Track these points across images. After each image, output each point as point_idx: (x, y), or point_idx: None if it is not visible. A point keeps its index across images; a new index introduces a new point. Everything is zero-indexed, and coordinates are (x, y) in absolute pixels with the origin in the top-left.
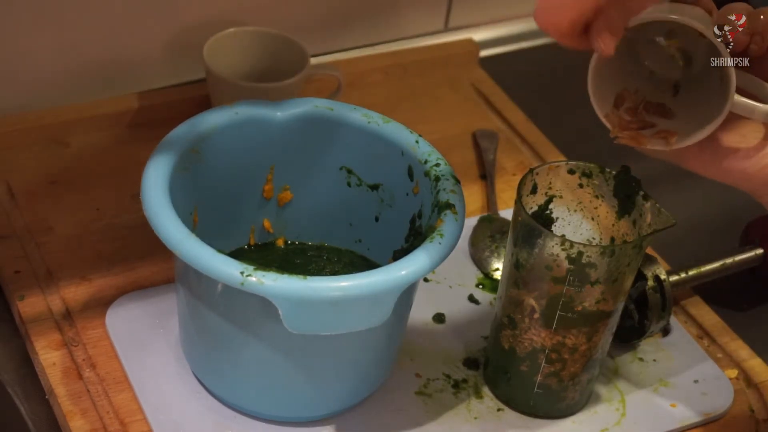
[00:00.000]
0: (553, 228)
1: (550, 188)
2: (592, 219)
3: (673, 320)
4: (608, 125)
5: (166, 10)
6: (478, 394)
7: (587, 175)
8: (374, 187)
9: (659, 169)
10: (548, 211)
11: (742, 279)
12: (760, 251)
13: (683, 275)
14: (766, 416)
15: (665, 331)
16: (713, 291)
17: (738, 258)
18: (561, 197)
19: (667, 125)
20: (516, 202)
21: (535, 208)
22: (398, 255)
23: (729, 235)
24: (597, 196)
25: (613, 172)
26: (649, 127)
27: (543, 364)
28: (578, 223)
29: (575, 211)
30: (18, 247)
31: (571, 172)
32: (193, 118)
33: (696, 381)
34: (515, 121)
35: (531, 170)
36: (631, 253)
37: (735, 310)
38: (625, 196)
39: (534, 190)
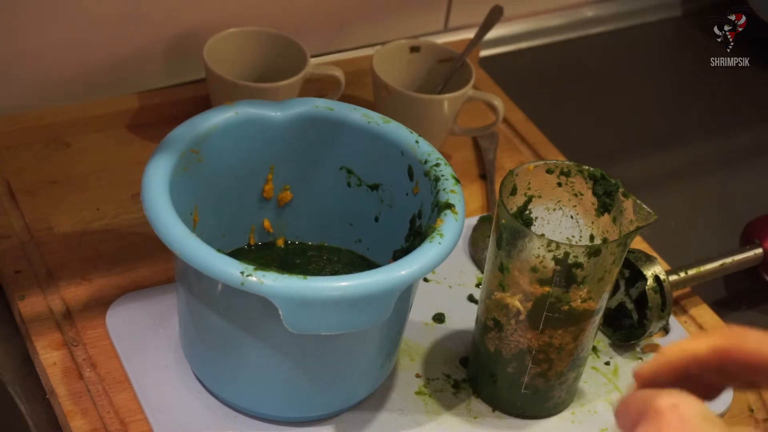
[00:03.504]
0: (533, 228)
1: (529, 188)
2: (572, 217)
3: (673, 320)
4: None
5: (166, 10)
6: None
7: (566, 173)
8: (374, 187)
9: (659, 169)
10: (527, 212)
11: (742, 279)
12: (759, 251)
13: (683, 275)
14: (765, 416)
15: (665, 331)
16: (713, 291)
17: (738, 258)
18: (540, 197)
19: None
20: (498, 205)
21: (515, 209)
22: (398, 255)
23: (729, 235)
24: (576, 194)
25: (591, 169)
26: None
27: (530, 365)
28: (558, 222)
29: (554, 209)
30: (18, 247)
31: (549, 171)
32: (193, 118)
33: None
34: (515, 121)
35: (511, 172)
36: (616, 251)
37: (735, 310)
38: (604, 193)
39: (513, 192)
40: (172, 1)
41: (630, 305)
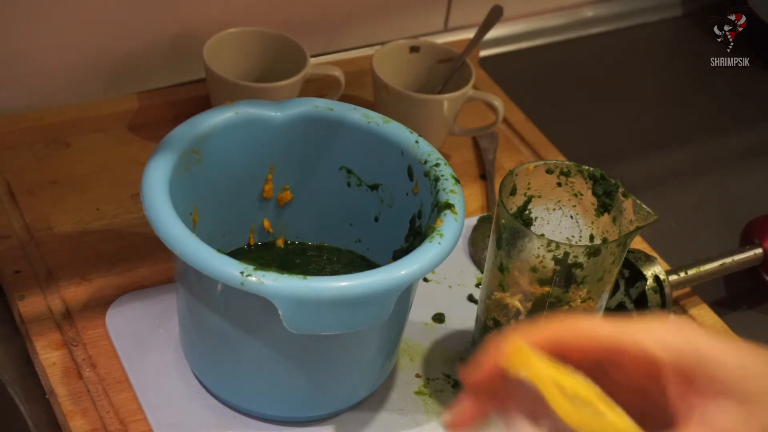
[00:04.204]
0: (533, 228)
1: (528, 188)
2: (571, 217)
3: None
4: None
5: (166, 10)
6: None
7: (565, 173)
8: (374, 187)
9: (659, 169)
10: (527, 212)
11: (741, 279)
12: (759, 251)
13: (683, 275)
14: None
15: None
16: (713, 291)
17: (738, 258)
18: (540, 197)
19: None
20: (498, 205)
21: (515, 209)
22: (398, 255)
23: (729, 235)
24: (576, 194)
25: (591, 169)
26: None
27: None
28: (557, 222)
29: (554, 209)
30: (18, 247)
31: (549, 171)
32: (193, 118)
33: None
34: (515, 121)
35: (511, 172)
36: (616, 251)
37: (735, 310)
38: (604, 193)
39: (513, 192)
40: (172, 1)
41: (630, 305)
